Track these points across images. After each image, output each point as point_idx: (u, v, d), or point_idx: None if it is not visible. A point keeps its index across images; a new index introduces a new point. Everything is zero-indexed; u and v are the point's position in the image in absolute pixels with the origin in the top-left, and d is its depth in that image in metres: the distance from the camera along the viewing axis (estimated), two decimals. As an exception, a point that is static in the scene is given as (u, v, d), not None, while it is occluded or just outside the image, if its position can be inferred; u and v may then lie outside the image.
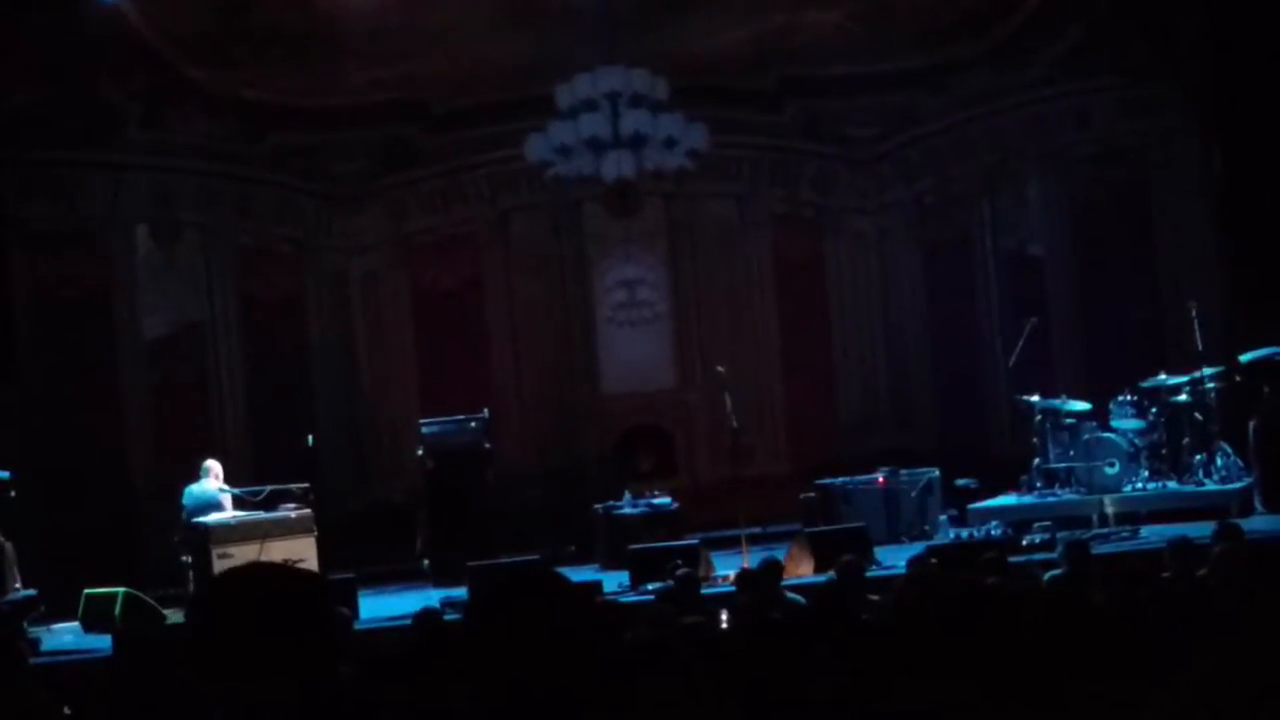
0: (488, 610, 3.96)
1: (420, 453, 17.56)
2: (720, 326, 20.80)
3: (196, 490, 15.69)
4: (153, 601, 14.88)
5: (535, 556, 15.84)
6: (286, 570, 4.44)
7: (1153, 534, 14.74)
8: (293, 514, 15.52)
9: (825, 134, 20.92)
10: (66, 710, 8.87)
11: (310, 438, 17.15)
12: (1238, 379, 16.24)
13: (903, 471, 17.42)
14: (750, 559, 14.30)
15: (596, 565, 16.71)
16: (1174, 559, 9.86)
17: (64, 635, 14.95)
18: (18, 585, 15.16)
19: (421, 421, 17.88)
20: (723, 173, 20.62)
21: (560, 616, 3.89)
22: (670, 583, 12.02)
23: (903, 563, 12.24)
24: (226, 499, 15.68)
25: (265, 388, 19.79)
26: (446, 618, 12.41)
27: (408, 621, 11.15)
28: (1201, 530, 11.76)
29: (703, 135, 18.51)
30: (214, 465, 15.89)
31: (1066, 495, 16.32)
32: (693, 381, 20.65)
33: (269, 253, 20.31)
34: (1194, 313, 16.29)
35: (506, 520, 17.49)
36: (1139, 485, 16.13)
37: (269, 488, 15.78)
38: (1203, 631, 7.99)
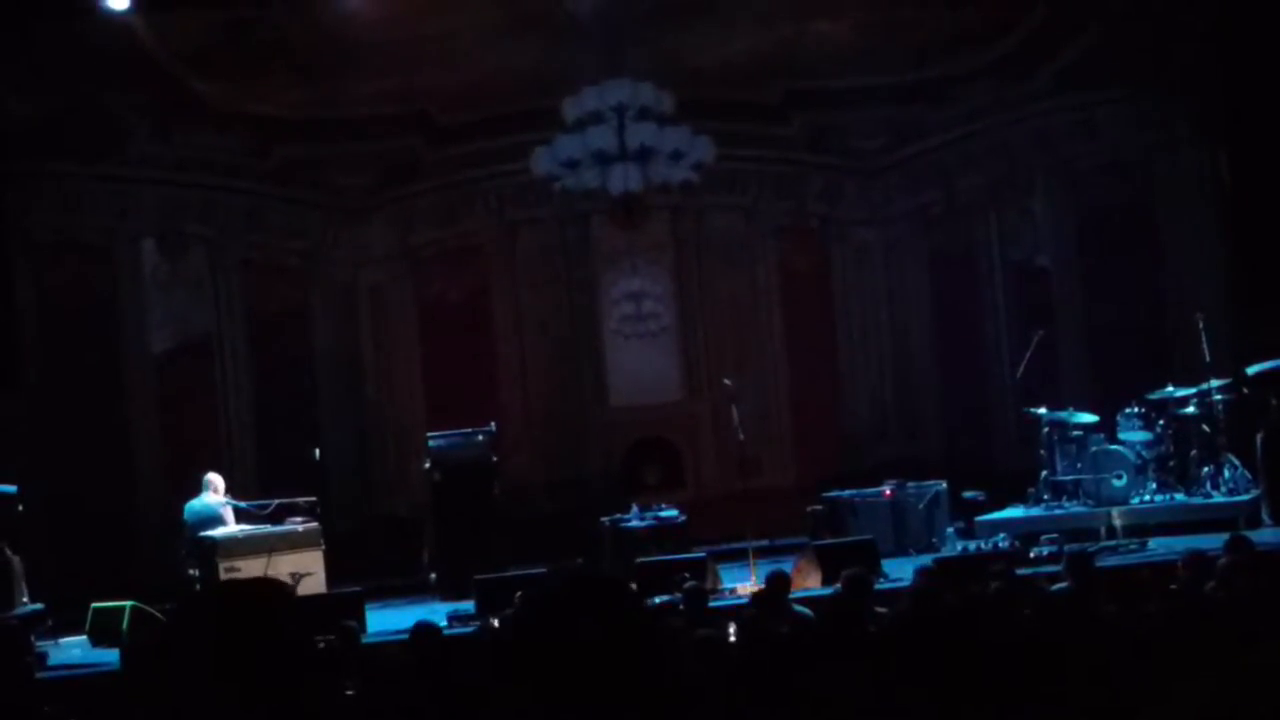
0: (541, 617, 3.93)
1: (427, 466, 17.55)
2: (727, 339, 20.80)
3: (197, 505, 15.69)
4: (160, 615, 14.86)
5: (542, 569, 15.81)
6: (252, 586, 4.43)
7: (1160, 546, 14.73)
8: (300, 527, 15.54)
9: (831, 146, 20.92)
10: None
11: (316, 451, 17.15)
12: (1245, 391, 16.24)
13: (910, 484, 17.39)
14: (757, 572, 14.29)
15: (603, 578, 16.67)
16: (1187, 572, 9.84)
17: (71, 649, 14.94)
18: (25, 599, 15.16)
19: (428, 434, 17.86)
20: (729, 185, 20.62)
21: (618, 627, 3.85)
22: (678, 596, 12.01)
23: (910, 575, 12.23)
24: (228, 512, 15.68)
25: (272, 400, 19.80)
26: (452, 631, 12.43)
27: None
28: (1209, 542, 11.76)
29: (709, 148, 18.51)
30: (215, 479, 15.88)
31: (1074, 507, 16.31)
32: (699, 394, 20.64)
33: (275, 265, 20.33)
34: (1201, 325, 16.28)
35: (513, 533, 17.47)
36: (1146, 497, 16.12)
37: (276, 501, 15.79)
38: (1210, 643, 7.97)
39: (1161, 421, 16.38)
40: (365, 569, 16.44)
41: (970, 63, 19.70)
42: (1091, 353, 19.14)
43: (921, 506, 17.15)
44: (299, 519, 15.64)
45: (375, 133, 20.13)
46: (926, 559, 14.18)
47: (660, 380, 20.83)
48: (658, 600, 13.10)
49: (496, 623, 12.13)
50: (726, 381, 16.79)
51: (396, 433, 20.37)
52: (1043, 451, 16.74)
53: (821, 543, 15.62)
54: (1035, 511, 16.48)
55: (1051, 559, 13.77)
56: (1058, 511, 16.30)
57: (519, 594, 12.54)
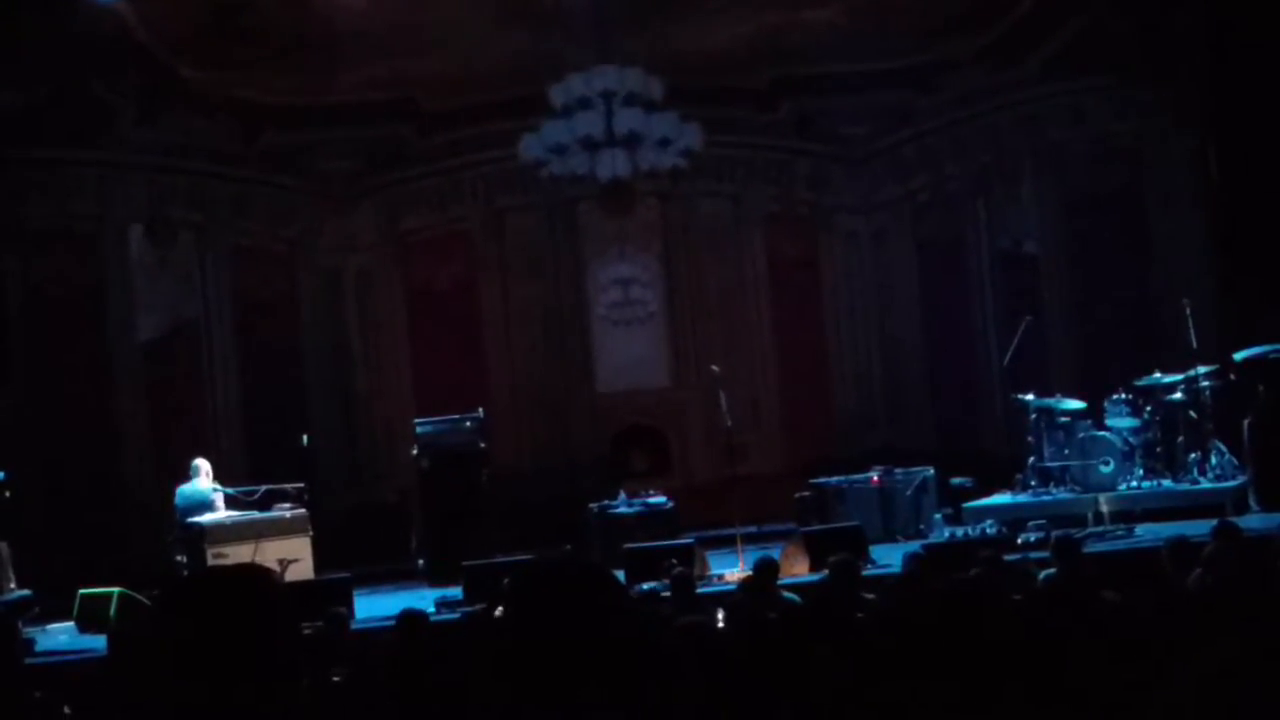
0: (527, 603, 3.93)
1: (415, 452, 17.54)
2: (714, 325, 20.80)
3: (188, 490, 15.68)
4: (148, 601, 14.84)
5: (529, 556, 15.81)
6: (239, 573, 4.42)
7: (1148, 532, 14.75)
8: (288, 514, 15.54)
9: (819, 133, 20.93)
10: (66, 710, 8.86)
11: (305, 437, 17.13)
12: (1232, 377, 16.24)
13: (898, 470, 17.41)
14: (745, 558, 14.30)
15: (591, 564, 16.66)
16: (1171, 558, 9.85)
17: (59, 635, 14.93)
18: (12, 585, 15.14)
19: (416, 421, 17.86)
20: (717, 172, 20.63)
21: (602, 613, 3.86)
22: (666, 582, 12.01)
23: (898, 562, 12.25)
24: (218, 498, 15.67)
25: (260, 387, 19.79)
26: (440, 617, 12.42)
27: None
28: (1196, 528, 11.78)
29: (697, 134, 18.50)
30: (204, 464, 15.86)
31: (1061, 494, 16.31)
32: (687, 380, 20.64)
33: (263, 252, 20.31)
34: (1188, 311, 16.30)
35: (501, 520, 17.47)
36: (1134, 484, 16.13)
37: (264, 487, 15.79)
38: (1198, 629, 7.99)
39: (1149, 408, 16.40)
40: (353, 555, 16.42)
41: (958, 49, 19.71)
42: (1079, 339, 19.16)
43: (909, 493, 17.17)
44: (287, 505, 15.65)
45: (363, 119, 20.13)
46: (914, 545, 14.19)
47: (648, 366, 20.85)
48: (645, 587, 13.11)
49: (482, 609, 12.12)
50: (714, 368, 16.79)
51: (384, 419, 20.37)
52: (1030, 438, 16.74)
53: (809, 529, 15.63)
54: (1023, 498, 16.49)
55: (1039, 545, 13.80)
56: (1045, 498, 16.30)
57: (505, 581, 12.52)
